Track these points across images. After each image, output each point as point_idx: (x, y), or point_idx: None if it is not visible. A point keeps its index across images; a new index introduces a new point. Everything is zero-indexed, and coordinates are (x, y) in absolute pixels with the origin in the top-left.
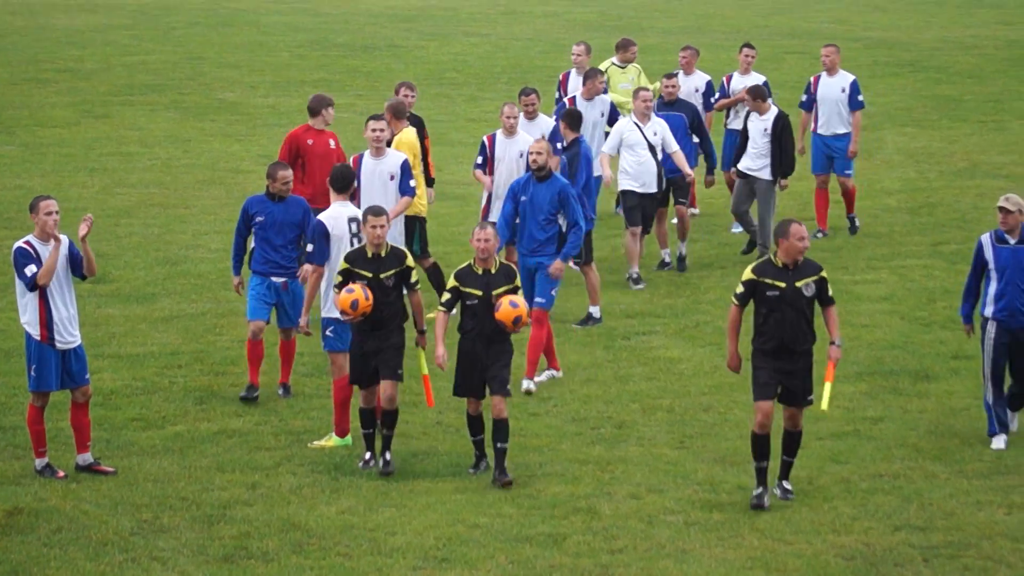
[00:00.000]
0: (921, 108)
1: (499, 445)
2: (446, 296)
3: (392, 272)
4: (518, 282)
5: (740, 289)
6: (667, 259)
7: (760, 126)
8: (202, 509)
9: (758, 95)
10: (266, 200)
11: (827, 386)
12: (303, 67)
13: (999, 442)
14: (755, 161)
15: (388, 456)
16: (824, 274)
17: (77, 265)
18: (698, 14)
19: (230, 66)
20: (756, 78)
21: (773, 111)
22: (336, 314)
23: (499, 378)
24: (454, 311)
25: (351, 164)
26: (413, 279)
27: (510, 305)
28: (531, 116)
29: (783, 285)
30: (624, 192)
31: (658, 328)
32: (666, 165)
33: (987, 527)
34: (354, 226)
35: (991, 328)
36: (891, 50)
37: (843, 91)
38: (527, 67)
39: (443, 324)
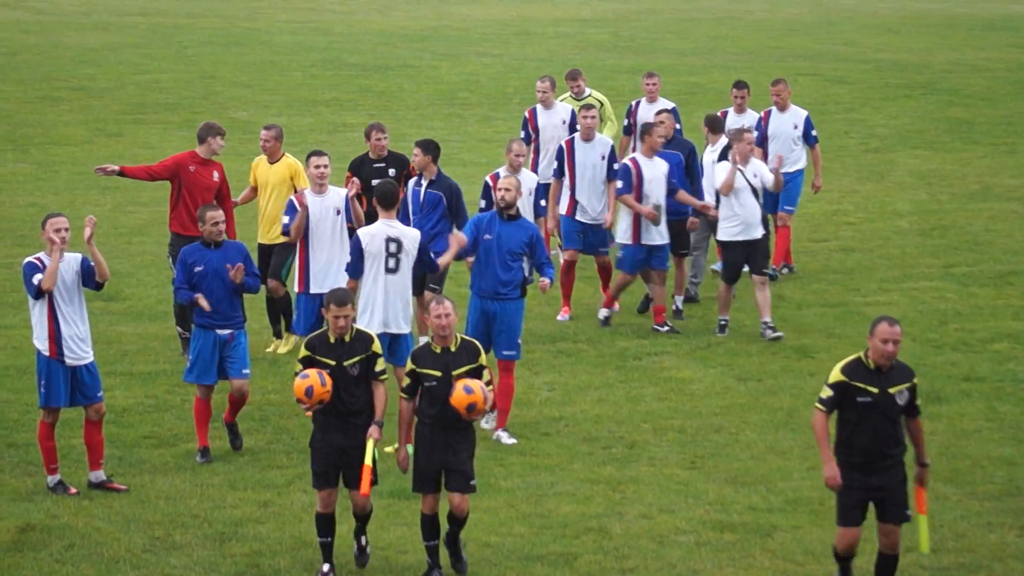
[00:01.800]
0: (933, 130)
1: (453, 528)
2: (406, 381)
3: (357, 359)
4: (483, 359)
5: (828, 393)
6: (678, 306)
7: (711, 158)
8: (214, 527)
9: (710, 127)
10: (202, 248)
11: (923, 520)
12: (315, 87)
13: None
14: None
15: (364, 541)
16: (916, 380)
17: (89, 277)
18: (710, 35)
19: (242, 85)
20: (751, 117)
21: (723, 142)
22: (374, 326)
23: (460, 471)
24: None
25: (294, 201)
26: (379, 367)
27: (463, 391)
28: (547, 104)
29: (875, 391)
30: (724, 243)
31: (670, 349)
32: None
33: (999, 549)
34: (392, 246)
35: None
36: (903, 72)
37: (795, 127)
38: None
39: (408, 416)
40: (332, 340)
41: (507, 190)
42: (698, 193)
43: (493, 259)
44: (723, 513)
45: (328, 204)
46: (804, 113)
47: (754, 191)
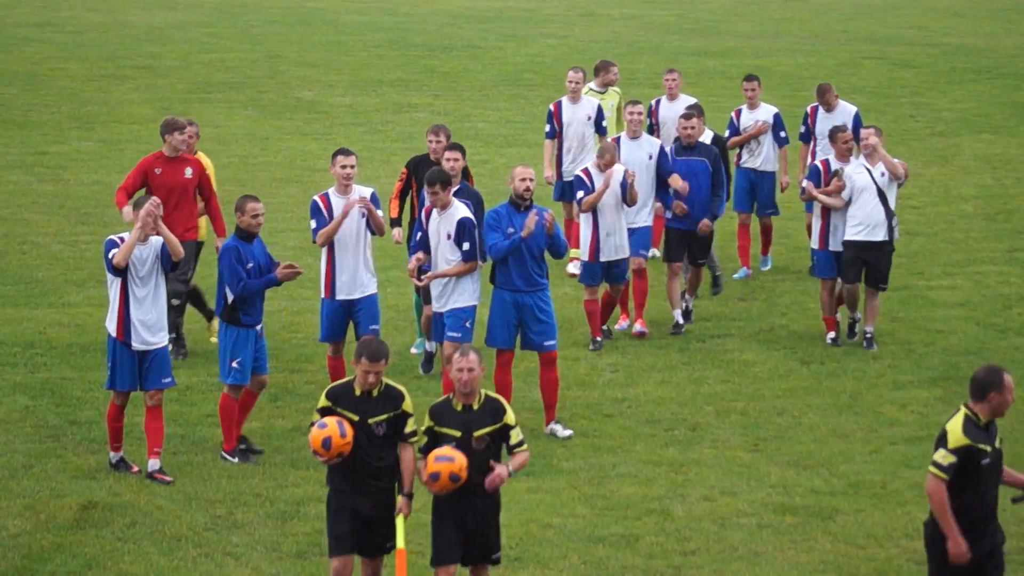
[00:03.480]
0: (999, 115)
1: None
2: (423, 440)
3: (384, 417)
4: (509, 418)
5: (950, 459)
6: (680, 319)
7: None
8: (276, 506)
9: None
10: (243, 242)
11: None
12: (381, 67)
13: None
14: None
15: None
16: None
17: (167, 259)
18: (776, 18)
19: (308, 65)
20: (767, 110)
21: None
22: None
23: (484, 543)
24: None
25: (319, 204)
26: (409, 428)
27: (436, 460)
28: (576, 98)
29: (990, 448)
30: (844, 242)
31: (733, 331)
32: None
33: None
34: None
35: None
36: (969, 56)
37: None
38: None
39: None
40: (358, 392)
41: (532, 180)
42: (718, 206)
43: (522, 252)
44: (785, 496)
45: (440, 229)
46: (774, 110)
47: (880, 192)
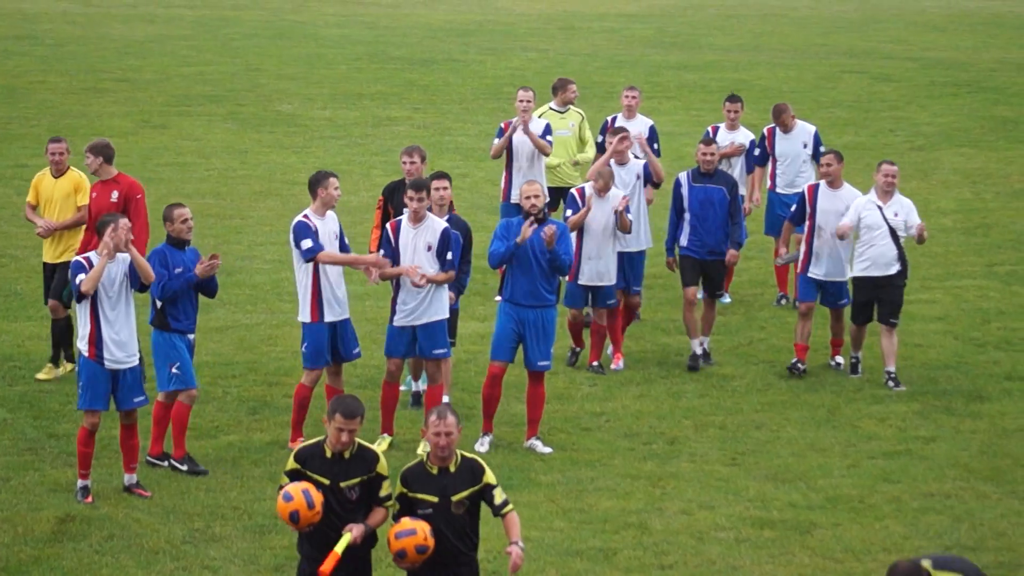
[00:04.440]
0: (978, 129)
1: None
2: (395, 507)
3: (357, 480)
4: (489, 477)
5: None
6: (698, 350)
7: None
8: (254, 519)
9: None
10: (174, 249)
11: None
12: (360, 80)
13: None
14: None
15: None
16: None
17: (135, 277)
18: (756, 32)
19: (288, 78)
20: (745, 135)
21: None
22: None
23: None
24: None
25: (308, 224)
26: (384, 491)
27: (397, 538)
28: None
29: None
30: (854, 280)
31: (711, 346)
32: (709, 237)
33: None
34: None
35: None
36: (949, 70)
37: (805, 146)
38: (585, 83)
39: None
40: (329, 454)
41: (536, 196)
42: (739, 234)
43: (532, 266)
44: (763, 510)
45: (328, 228)
46: (649, 122)
47: (892, 232)
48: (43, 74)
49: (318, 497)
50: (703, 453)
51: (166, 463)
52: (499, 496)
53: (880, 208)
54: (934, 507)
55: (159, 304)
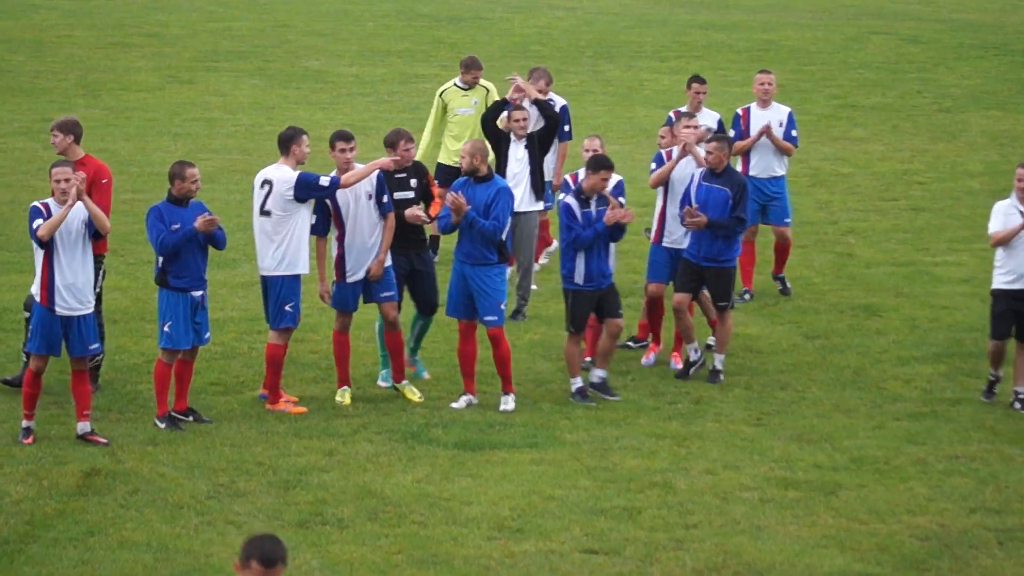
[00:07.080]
0: (1006, 91)
1: None
2: None
3: None
4: None
5: None
6: (692, 356)
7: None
8: (278, 475)
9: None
10: (173, 206)
11: None
12: (388, 37)
13: None
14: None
15: None
16: None
17: (92, 226)
18: None
19: (315, 34)
20: (709, 116)
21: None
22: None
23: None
24: None
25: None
26: None
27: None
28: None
29: None
30: (993, 292)
31: (738, 306)
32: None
33: None
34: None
35: None
36: (977, 32)
37: (781, 124)
38: (612, 42)
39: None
40: None
41: (463, 157)
42: (735, 232)
43: (466, 228)
44: (788, 470)
45: (359, 189)
46: (563, 102)
47: None
48: (70, 28)
49: None
50: (728, 413)
51: (191, 418)
52: None
53: (1020, 211)
54: (959, 469)
55: (160, 262)
